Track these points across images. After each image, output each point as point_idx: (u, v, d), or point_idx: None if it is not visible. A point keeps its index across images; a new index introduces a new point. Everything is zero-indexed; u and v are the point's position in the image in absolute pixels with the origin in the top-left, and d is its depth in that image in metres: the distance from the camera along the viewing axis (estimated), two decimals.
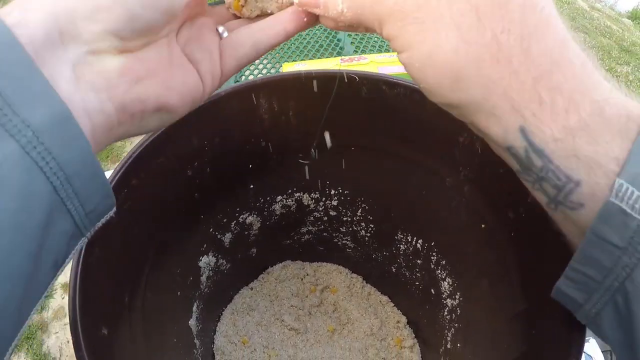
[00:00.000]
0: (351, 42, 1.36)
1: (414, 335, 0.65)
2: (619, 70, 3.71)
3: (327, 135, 0.53)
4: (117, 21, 0.23)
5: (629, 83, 3.55)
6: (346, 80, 0.48)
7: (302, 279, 0.71)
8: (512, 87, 0.23)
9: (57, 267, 0.23)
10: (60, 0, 0.22)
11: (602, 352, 0.68)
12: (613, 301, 0.24)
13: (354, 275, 0.71)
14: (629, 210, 0.21)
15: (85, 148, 0.22)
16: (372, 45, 1.37)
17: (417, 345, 0.64)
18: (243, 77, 1.12)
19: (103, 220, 0.25)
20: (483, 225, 0.48)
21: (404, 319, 0.66)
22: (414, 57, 0.26)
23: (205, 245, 0.56)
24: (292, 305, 0.67)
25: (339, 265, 0.72)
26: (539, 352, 0.37)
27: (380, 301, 0.69)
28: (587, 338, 0.69)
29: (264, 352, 0.61)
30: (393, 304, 0.68)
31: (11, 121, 0.19)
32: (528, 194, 0.40)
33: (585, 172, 0.23)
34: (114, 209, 0.26)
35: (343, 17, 0.28)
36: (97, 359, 0.32)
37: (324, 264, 0.72)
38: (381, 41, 1.40)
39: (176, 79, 0.27)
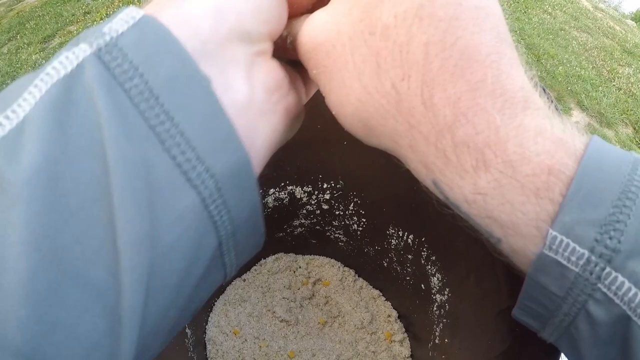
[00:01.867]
0: None
1: (404, 329, 0.66)
2: (620, 71, 3.71)
3: None
4: (277, 22, 0.22)
5: (630, 85, 3.56)
6: None
7: (294, 272, 0.71)
8: (417, 141, 0.21)
9: (193, 314, 0.22)
10: None
11: None
12: (567, 335, 0.22)
13: (346, 268, 0.72)
14: (564, 262, 0.19)
15: (256, 199, 0.20)
16: None
17: (407, 340, 0.65)
18: None
19: None
20: None
21: (394, 313, 0.67)
22: (330, 104, 0.24)
23: None
24: (283, 298, 0.68)
25: (332, 258, 0.73)
26: (522, 347, 0.38)
27: (371, 295, 0.69)
28: None
29: (254, 343, 0.62)
30: (384, 298, 0.69)
31: (195, 169, 0.17)
32: None
33: (502, 233, 0.21)
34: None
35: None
36: None
37: (317, 257, 0.73)
38: None
39: (297, 87, 0.26)
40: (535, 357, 0.35)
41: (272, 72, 0.22)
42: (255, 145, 0.20)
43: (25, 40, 3.80)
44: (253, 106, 0.20)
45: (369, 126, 0.23)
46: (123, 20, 0.17)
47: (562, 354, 0.29)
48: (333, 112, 0.25)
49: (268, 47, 0.22)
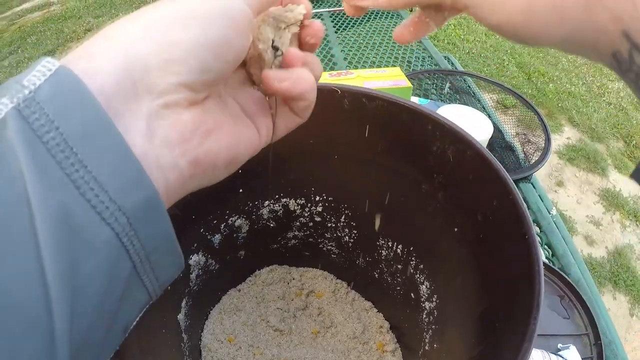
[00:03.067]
0: (344, 58, 1.39)
1: (396, 340, 0.67)
2: (610, 86, 3.74)
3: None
4: (190, 72, 0.23)
5: (620, 99, 3.59)
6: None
7: (288, 283, 0.73)
8: None
9: (126, 331, 0.23)
10: (131, 49, 0.21)
11: (582, 359, 0.70)
12: None
13: (339, 281, 0.74)
14: None
15: (167, 228, 0.22)
16: (363, 61, 1.41)
17: (399, 350, 0.66)
18: None
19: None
20: (455, 229, 0.50)
21: (386, 324, 0.69)
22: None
23: (195, 245, 0.59)
24: (277, 308, 0.69)
25: (324, 271, 0.74)
26: (501, 341, 0.40)
27: (363, 307, 0.71)
28: (567, 345, 0.72)
29: (249, 351, 0.64)
30: (376, 310, 0.71)
31: (108, 209, 0.19)
32: (494, 198, 0.43)
33: None
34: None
35: None
36: None
37: (310, 269, 0.75)
38: (374, 56, 1.44)
39: (240, 130, 0.27)
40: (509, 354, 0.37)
41: (177, 125, 0.23)
42: (161, 188, 0.22)
43: (27, 55, 3.83)
44: (149, 160, 0.21)
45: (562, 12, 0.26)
46: (40, 72, 0.19)
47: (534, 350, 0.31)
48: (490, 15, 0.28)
49: (179, 97, 0.23)
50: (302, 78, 0.28)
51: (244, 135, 0.28)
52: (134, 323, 0.24)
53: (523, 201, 0.40)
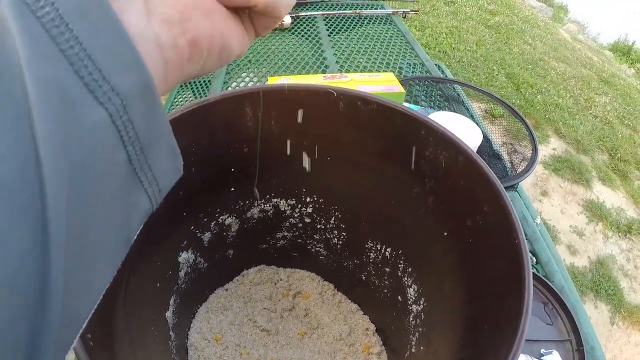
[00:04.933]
0: (336, 62, 1.40)
1: (381, 342, 0.67)
2: (597, 100, 3.80)
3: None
4: None
5: (606, 113, 3.64)
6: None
7: (275, 284, 0.73)
8: None
9: (128, 244, 0.22)
10: None
11: None
12: None
13: (326, 282, 0.74)
14: None
15: (163, 120, 0.22)
16: (355, 66, 1.41)
17: (384, 353, 0.66)
18: (229, 88, 1.15)
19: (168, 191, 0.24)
20: (445, 233, 0.51)
21: (372, 327, 0.69)
22: None
23: (185, 242, 0.59)
24: (264, 308, 0.70)
25: (312, 272, 0.75)
26: (489, 346, 0.40)
27: (350, 309, 0.71)
28: (550, 350, 0.73)
29: (235, 350, 0.64)
30: (362, 312, 0.71)
31: (101, 87, 0.18)
32: (484, 203, 0.44)
33: None
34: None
35: None
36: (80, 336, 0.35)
37: (298, 270, 0.75)
38: (365, 61, 1.44)
39: (233, 21, 0.27)
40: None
41: (176, 4, 0.22)
42: (157, 71, 0.22)
43: None
44: (147, 38, 0.21)
45: None
46: None
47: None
48: None
49: None
50: None
51: (235, 25, 0.27)
52: (134, 237, 0.23)
53: (514, 208, 0.41)
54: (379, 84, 0.90)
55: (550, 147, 3.13)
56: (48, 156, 0.16)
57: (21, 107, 0.16)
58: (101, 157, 0.18)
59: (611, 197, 2.86)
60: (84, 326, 0.20)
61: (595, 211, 2.71)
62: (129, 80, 0.19)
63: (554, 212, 2.67)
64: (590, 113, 3.62)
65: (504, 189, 0.42)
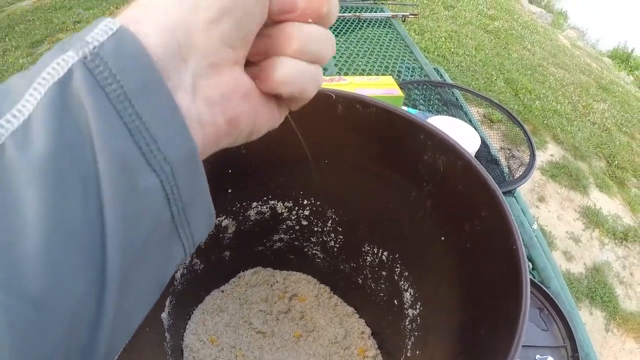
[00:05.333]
0: (335, 64, 1.40)
1: (377, 346, 0.67)
2: (595, 107, 3.81)
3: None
4: (231, 30, 0.24)
5: (604, 120, 3.65)
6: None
7: (271, 286, 0.73)
8: None
9: (162, 288, 0.25)
10: (173, 12, 0.22)
11: None
12: None
13: (322, 285, 0.74)
14: None
15: (203, 183, 0.24)
16: (354, 69, 1.41)
17: (379, 356, 0.66)
18: None
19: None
20: (443, 238, 0.51)
21: (368, 330, 0.69)
22: None
23: None
24: (260, 310, 0.69)
25: (308, 275, 0.75)
26: (486, 351, 0.40)
27: (345, 312, 0.71)
28: (545, 356, 0.73)
29: (231, 352, 0.63)
30: (358, 316, 0.71)
31: (155, 157, 0.21)
32: (482, 208, 0.44)
33: None
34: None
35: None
36: None
37: (294, 272, 0.75)
38: (364, 64, 1.45)
39: (264, 103, 0.28)
40: None
41: (219, 86, 0.24)
42: (198, 141, 0.24)
43: (14, 44, 3.78)
44: (191, 116, 0.23)
45: None
46: (103, 30, 0.20)
47: None
48: None
49: (225, 57, 0.24)
50: (270, 75, 0.27)
51: (267, 107, 0.28)
52: (167, 282, 0.25)
53: (511, 213, 0.40)
54: (378, 87, 0.90)
55: (548, 153, 3.14)
56: (110, 215, 0.19)
57: (91, 171, 0.19)
58: (150, 216, 0.21)
59: (608, 204, 2.86)
60: (117, 355, 0.23)
61: (591, 218, 2.71)
62: (178, 150, 0.21)
63: (551, 218, 2.67)
64: (589, 120, 3.63)
65: (502, 194, 0.42)
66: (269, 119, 0.29)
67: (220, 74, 0.24)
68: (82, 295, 0.19)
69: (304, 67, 0.27)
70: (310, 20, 0.27)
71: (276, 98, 0.29)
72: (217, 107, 0.24)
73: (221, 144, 0.26)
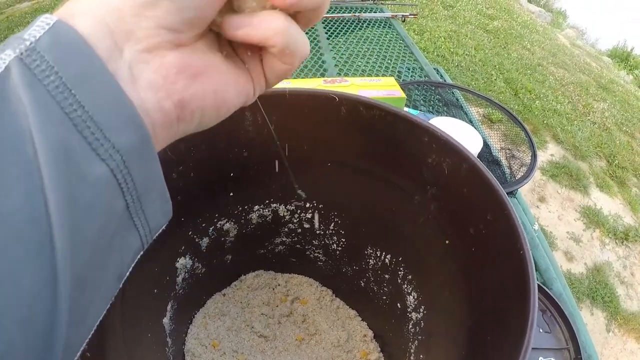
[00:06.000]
0: (335, 65, 1.40)
1: (379, 349, 0.67)
2: (595, 106, 3.80)
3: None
4: (167, 13, 0.23)
5: (604, 119, 3.65)
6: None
7: (273, 289, 0.73)
8: None
9: (121, 280, 0.24)
10: (104, 1, 0.22)
11: None
12: None
13: (324, 288, 0.74)
14: None
15: (158, 170, 0.24)
16: (354, 70, 1.41)
17: (382, 359, 0.66)
18: None
19: (159, 232, 0.26)
20: (447, 241, 0.50)
21: (370, 333, 0.68)
22: None
23: (183, 247, 0.58)
24: (262, 314, 0.69)
25: (310, 277, 0.74)
26: (490, 357, 0.40)
27: (348, 315, 0.71)
28: (548, 359, 0.73)
29: (233, 356, 0.63)
30: (360, 319, 0.70)
31: (102, 146, 0.20)
32: (487, 211, 0.43)
33: None
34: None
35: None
36: None
37: (296, 275, 0.74)
38: (364, 65, 1.44)
39: (233, 74, 0.27)
40: None
41: (160, 69, 0.23)
42: (154, 129, 0.24)
43: None
44: (134, 102, 0.22)
45: None
46: (39, 27, 0.20)
47: None
48: None
49: (165, 39, 0.23)
50: (262, 22, 0.26)
51: (237, 80, 0.28)
52: (127, 274, 0.25)
53: (517, 217, 0.40)
54: (380, 89, 0.90)
55: (548, 152, 3.13)
56: (56, 208, 0.19)
57: (32, 164, 0.19)
58: (102, 207, 0.21)
59: (608, 204, 2.86)
60: (79, 352, 0.22)
61: (592, 218, 2.71)
62: (128, 137, 0.21)
63: (551, 218, 2.66)
64: (589, 119, 3.63)
65: (507, 198, 0.41)
66: (241, 91, 0.28)
67: (162, 56, 0.23)
68: (33, 295, 0.18)
69: (296, 26, 0.27)
70: None
71: (250, 67, 0.28)
72: (161, 91, 0.23)
73: (178, 130, 0.26)
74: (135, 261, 0.25)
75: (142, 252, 0.25)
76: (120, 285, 0.25)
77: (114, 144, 0.21)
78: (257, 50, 0.28)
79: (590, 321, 2.17)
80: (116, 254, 0.23)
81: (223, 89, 0.27)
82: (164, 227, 0.27)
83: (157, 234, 0.26)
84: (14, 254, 0.18)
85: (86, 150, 0.20)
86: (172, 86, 0.24)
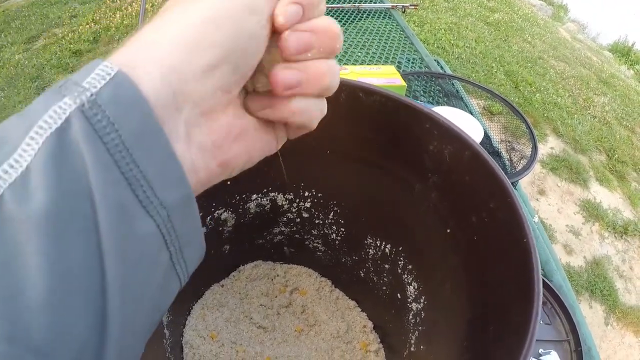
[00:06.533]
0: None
1: (379, 340, 0.66)
2: (596, 100, 3.80)
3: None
4: (226, 75, 0.24)
5: (605, 113, 3.64)
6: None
7: (272, 280, 0.72)
8: None
9: (161, 317, 0.25)
10: (169, 57, 0.22)
11: None
12: None
13: (323, 278, 0.73)
14: None
15: (198, 225, 0.24)
16: (354, 60, 1.40)
17: (382, 350, 0.65)
18: None
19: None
20: (448, 230, 0.50)
21: (370, 324, 0.68)
22: None
23: None
24: (261, 304, 0.68)
25: (309, 268, 0.74)
26: (492, 350, 0.39)
27: (347, 306, 0.70)
28: (548, 350, 0.72)
29: (231, 348, 0.62)
30: (360, 309, 0.70)
31: (152, 203, 0.21)
32: (490, 199, 0.42)
33: None
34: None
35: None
36: None
37: (295, 266, 0.74)
38: (364, 55, 1.43)
39: (258, 133, 0.28)
40: None
41: (211, 133, 0.25)
42: (192, 185, 0.24)
43: (10, 39, 3.76)
44: (185, 163, 0.23)
45: None
46: (99, 76, 0.20)
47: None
48: None
49: (219, 102, 0.25)
50: (281, 105, 0.27)
51: (263, 138, 0.29)
52: (165, 311, 0.26)
53: (521, 205, 0.39)
54: (380, 77, 0.89)
55: (549, 145, 3.13)
56: (110, 263, 0.20)
57: (90, 222, 0.19)
58: (149, 259, 0.22)
59: (608, 198, 2.86)
60: None
61: (591, 211, 2.71)
62: (174, 195, 0.22)
63: (551, 211, 2.66)
64: (589, 113, 3.62)
65: (511, 185, 0.41)
66: (266, 147, 0.29)
67: (214, 120, 0.25)
68: (84, 341, 0.19)
69: (315, 99, 0.28)
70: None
71: (274, 126, 0.29)
72: (209, 153, 0.25)
73: (213, 183, 0.27)
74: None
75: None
76: (160, 320, 0.26)
77: (161, 201, 0.21)
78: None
79: (589, 314, 2.17)
80: (159, 298, 0.24)
81: (253, 147, 0.28)
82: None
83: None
84: (70, 305, 0.19)
85: (137, 208, 0.21)
86: (219, 149, 0.25)
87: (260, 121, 0.28)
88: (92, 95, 0.20)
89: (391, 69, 0.93)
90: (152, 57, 0.22)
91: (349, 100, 0.51)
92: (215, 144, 0.25)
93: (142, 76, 0.21)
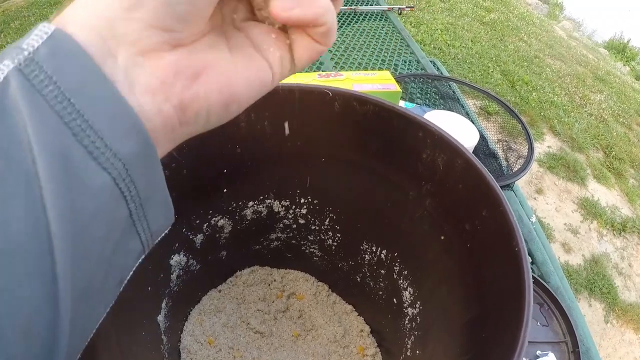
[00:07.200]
0: (331, 58, 1.39)
1: (376, 344, 0.67)
2: (592, 98, 3.80)
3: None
4: (155, 11, 0.22)
5: (601, 111, 3.64)
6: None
7: (269, 285, 0.72)
8: None
9: (122, 284, 0.24)
10: (94, 6, 0.22)
11: None
12: None
13: (320, 283, 0.73)
14: None
15: (161, 176, 0.23)
16: (350, 62, 1.40)
17: (379, 354, 0.66)
18: None
19: (161, 236, 0.26)
20: (442, 237, 0.50)
21: (367, 328, 0.68)
22: None
23: (177, 244, 0.58)
24: (258, 310, 0.69)
25: (306, 273, 0.74)
26: (487, 352, 0.39)
27: (344, 310, 0.71)
28: (546, 352, 0.73)
29: (229, 353, 0.63)
30: (357, 313, 0.70)
31: (103, 154, 0.20)
32: (483, 207, 0.43)
33: None
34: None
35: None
36: None
37: (291, 271, 0.74)
38: (360, 58, 1.43)
39: (239, 67, 0.26)
40: None
41: (157, 71, 0.22)
42: (155, 134, 0.23)
43: (9, 40, 3.74)
44: (134, 108, 0.22)
45: None
46: (38, 36, 0.20)
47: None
48: None
49: (159, 40, 0.22)
50: (312, 1, 0.25)
51: (246, 73, 0.26)
52: (128, 277, 0.25)
53: (513, 213, 0.40)
54: (375, 83, 0.89)
55: (545, 144, 3.13)
56: (56, 218, 0.19)
57: (31, 175, 0.18)
58: (105, 217, 0.21)
59: (606, 195, 2.86)
60: (79, 355, 0.22)
61: (589, 209, 2.71)
62: (129, 144, 0.21)
63: (549, 210, 2.67)
64: (586, 111, 3.62)
65: (503, 194, 0.41)
66: (251, 83, 0.27)
67: (157, 58, 0.23)
68: (34, 305, 0.19)
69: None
70: None
71: (263, 51, 0.27)
72: (159, 95, 0.23)
73: (181, 133, 0.25)
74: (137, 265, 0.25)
75: (143, 256, 0.25)
76: (121, 289, 0.25)
77: (115, 152, 0.20)
78: (285, 33, 0.28)
79: (589, 312, 2.18)
80: (118, 261, 0.23)
81: (229, 85, 0.25)
82: (166, 231, 0.26)
83: (159, 239, 0.26)
84: (11, 266, 0.18)
85: (87, 160, 0.20)
86: (170, 89, 0.23)
87: (241, 52, 0.26)
88: (29, 53, 0.20)
89: (386, 74, 0.93)
90: (81, 11, 0.22)
91: (344, 109, 0.51)
92: (164, 83, 0.23)
93: (73, 29, 0.21)
